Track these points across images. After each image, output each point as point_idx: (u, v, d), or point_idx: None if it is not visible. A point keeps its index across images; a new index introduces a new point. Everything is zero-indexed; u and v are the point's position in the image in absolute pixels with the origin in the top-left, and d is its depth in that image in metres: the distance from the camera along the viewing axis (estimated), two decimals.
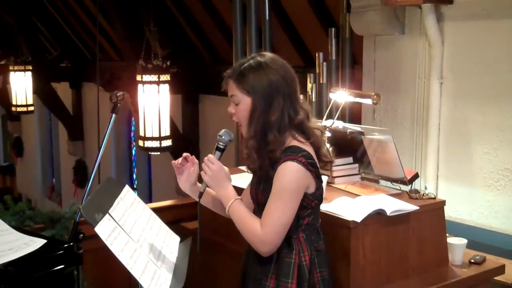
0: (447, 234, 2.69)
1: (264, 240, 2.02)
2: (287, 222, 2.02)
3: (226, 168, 2.17)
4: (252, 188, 2.21)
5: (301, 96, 2.15)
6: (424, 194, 2.67)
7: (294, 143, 2.06)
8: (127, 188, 2.25)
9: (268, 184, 2.07)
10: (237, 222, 2.10)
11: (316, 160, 2.09)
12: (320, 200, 2.13)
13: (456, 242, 2.66)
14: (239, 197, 2.13)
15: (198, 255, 2.62)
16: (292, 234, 2.07)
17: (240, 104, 2.08)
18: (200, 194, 2.20)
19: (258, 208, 2.14)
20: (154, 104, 4.89)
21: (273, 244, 2.03)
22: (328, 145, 2.93)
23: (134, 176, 9.37)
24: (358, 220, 2.33)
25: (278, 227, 2.01)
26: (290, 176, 2.01)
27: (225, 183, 2.13)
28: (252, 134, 2.07)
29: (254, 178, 2.21)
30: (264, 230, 2.01)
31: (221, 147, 2.17)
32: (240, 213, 2.09)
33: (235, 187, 2.19)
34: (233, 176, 2.23)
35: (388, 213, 2.38)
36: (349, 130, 2.93)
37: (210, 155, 2.15)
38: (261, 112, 2.04)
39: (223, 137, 2.16)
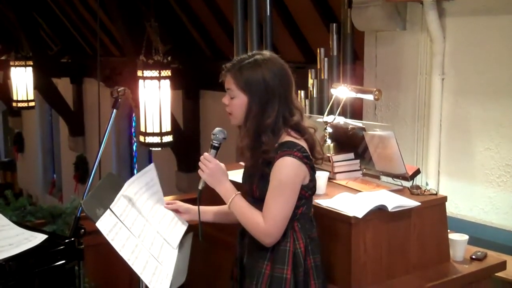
0: (448, 230, 2.69)
1: (268, 233, 2.09)
2: (288, 214, 2.10)
3: (222, 165, 2.24)
4: (246, 183, 2.25)
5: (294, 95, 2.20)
6: (426, 190, 2.67)
7: (288, 138, 2.12)
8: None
9: (265, 181, 2.12)
10: (240, 216, 2.16)
11: (309, 153, 2.15)
12: (313, 190, 2.19)
13: (457, 238, 2.66)
14: (239, 192, 2.19)
15: (199, 251, 2.62)
16: (288, 224, 2.12)
17: (235, 99, 2.14)
18: (199, 192, 2.27)
19: (253, 200, 2.18)
20: (155, 99, 4.89)
21: (276, 235, 2.10)
22: (329, 141, 2.95)
23: (135, 171, 9.37)
24: (360, 215, 2.32)
25: (280, 219, 2.08)
26: (287, 171, 2.07)
27: (223, 180, 2.21)
28: (246, 133, 2.13)
29: (246, 173, 2.26)
30: (267, 223, 2.08)
31: (216, 145, 2.24)
32: (243, 208, 2.16)
33: (234, 182, 2.24)
34: (233, 172, 2.24)
35: (389, 209, 2.38)
36: (350, 126, 2.93)
37: (206, 154, 2.22)
38: (256, 114, 2.10)
39: (217, 135, 2.24)
